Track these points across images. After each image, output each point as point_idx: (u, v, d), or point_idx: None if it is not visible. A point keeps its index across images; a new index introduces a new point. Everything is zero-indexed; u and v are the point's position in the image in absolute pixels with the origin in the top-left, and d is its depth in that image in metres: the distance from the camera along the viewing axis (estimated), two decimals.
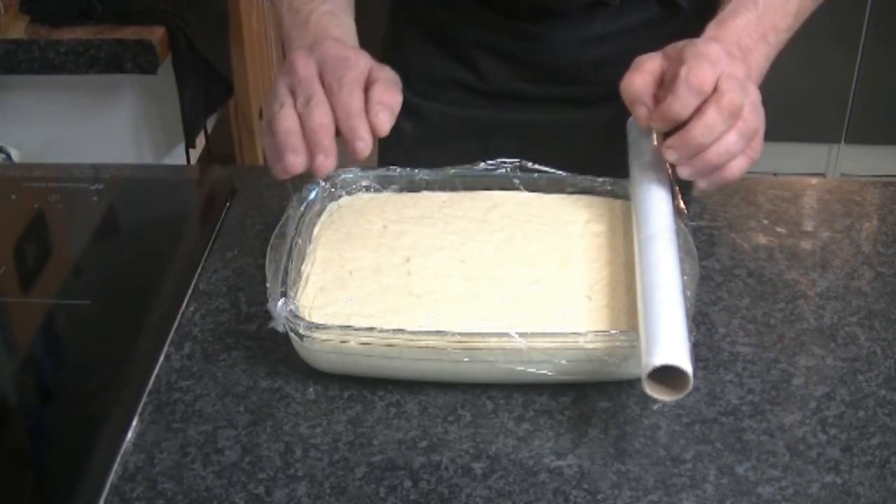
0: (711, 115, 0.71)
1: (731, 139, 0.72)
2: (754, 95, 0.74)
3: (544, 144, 0.99)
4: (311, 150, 0.71)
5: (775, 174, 1.21)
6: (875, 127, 2.76)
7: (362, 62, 0.75)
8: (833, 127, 2.78)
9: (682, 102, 0.71)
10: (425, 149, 1.02)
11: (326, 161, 0.71)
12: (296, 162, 0.71)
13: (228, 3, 1.90)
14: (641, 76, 0.75)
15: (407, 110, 1.05)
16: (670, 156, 0.73)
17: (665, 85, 0.74)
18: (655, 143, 0.78)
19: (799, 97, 2.62)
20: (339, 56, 0.74)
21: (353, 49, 0.77)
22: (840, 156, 2.84)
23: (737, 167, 0.74)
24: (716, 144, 0.72)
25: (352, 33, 0.83)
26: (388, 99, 0.74)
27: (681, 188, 0.83)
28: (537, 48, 0.98)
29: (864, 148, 2.79)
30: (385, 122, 0.73)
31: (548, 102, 1.01)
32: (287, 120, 0.72)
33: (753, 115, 0.73)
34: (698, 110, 0.71)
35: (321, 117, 0.71)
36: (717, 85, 0.71)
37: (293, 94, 0.73)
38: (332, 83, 0.72)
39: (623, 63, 0.96)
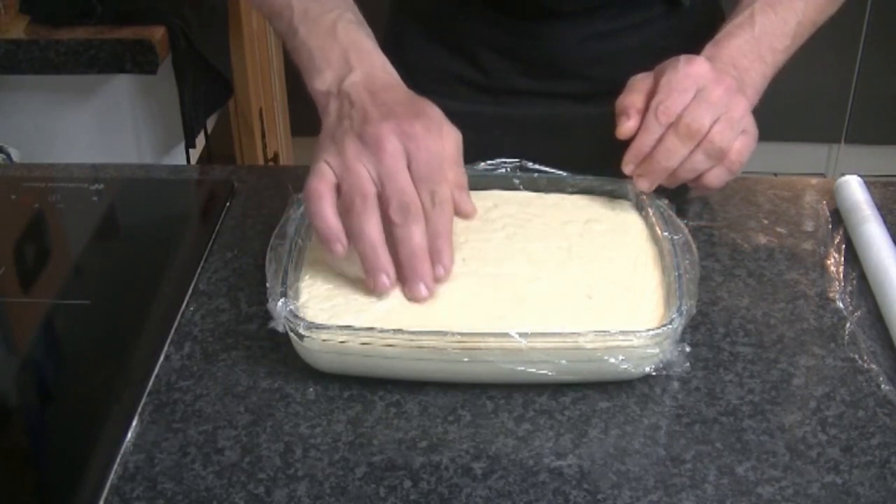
0: (670, 140, 0.76)
1: (698, 158, 0.77)
2: (738, 110, 0.78)
3: (546, 139, 1.00)
4: (408, 275, 0.70)
5: (775, 174, 1.21)
6: (875, 127, 2.77)
7: (445, 147, 0.72)
8: (833, 127, 2.79)
9: (650, 136, 0.77)
10: None
11: (426, 292, 0.70)
12: (388, 284, 0.70)
13: (228, 3, 1.90)
14: (631, 96, 0.80)
15: None
16: (642, 185, 0.79)
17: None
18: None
19: (799, 97, 2.63)
20: (435, 159, 0.70)
21: (440, 134, 0.72)
22: (840, 156, 2.84)
23: (714, 178, 0.79)
24: (682, 165, 0.77)
25: (374, 41, 0.80)
26: (458, 206, 0.73)
27: (680, 188, 0.84)
28: (539, 45, 0.99)
29: (864, 148, 2.79)
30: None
31: (550, 97, 1.01)
32: (374, 227, 0.69)
33: (724, 133, 0.77)
34: (661, 136, 0.77)
35: (421, 239, 0.69)
36: (682, 110, 0.76)
37: (378, 180, 0.70)
38: (426, 198, 0.70)
39: (624, 59, 0.96)
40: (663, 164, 0.78)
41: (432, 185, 0.70)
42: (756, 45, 0.83)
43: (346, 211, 0.70)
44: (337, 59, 0.77)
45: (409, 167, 0.70)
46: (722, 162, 0.78)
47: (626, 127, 0.79)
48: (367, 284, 0.70)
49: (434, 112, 0.74)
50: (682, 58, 0.79)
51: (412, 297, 0.70)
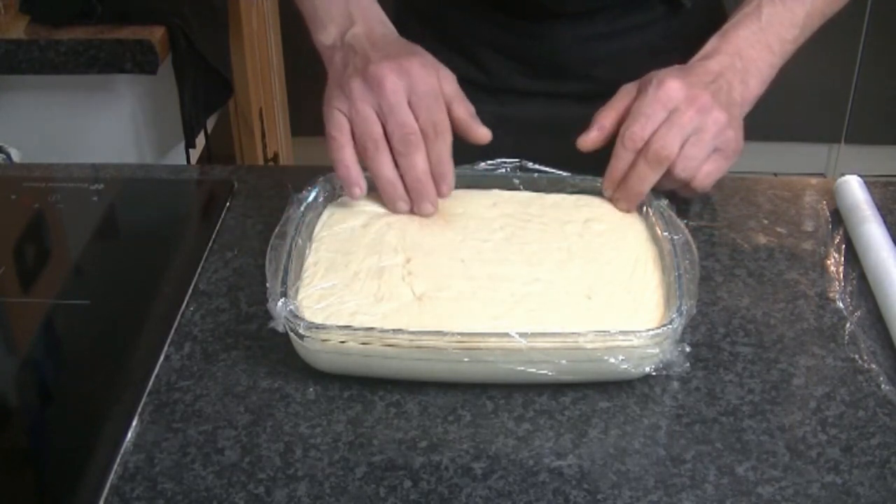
0: (641, 166, 0.78)
1: (664, 182, 0.79)
2: (711, 130, 0.78)
3: (547, 139, 0.99)
4: (414, 197, 0.79)
5: (775, 174, 1.21)
6: (875, 127, 2.77)
7: (445, 87, 0.80)
8: (833, 127, 2.79)
9: (621, 163, 0.79)
10: None
11: (432, 208, 0.80)
12: (406, 209, 0.80)
13: (228, 3, 1.90)
14: (604, 111, 0.82)
15: None
16: (621, 207, 0.81)
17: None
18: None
19: (799, 97, 2.63)
20: (432, 92, 0.78)
21: (436, 72, 0.80)
22: (840, 156, 2.84)
23: (682, 193, 0.83)
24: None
25: None
26: (477, 132, 0.81)
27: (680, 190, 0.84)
28: (541, 45, 0.99)
29: (864, 148, 2.79)
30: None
31: (551, 98, 1.01)
32: (387, 167, 0.78)
33: (689, 163, 0.78)
34: (633, 162, 0.79)
35: (423, 165, 0.78)
36: (651, 136, 0.78)
37: (381, 120, 0.78)
38: (428, 128, 0.78)
39: (626, 60, 0.96)
40: (636, 189, 0.79)
41: (433, 116, 0.78)
42: (763, 36, 0.83)
43: (362, 154, 0.79)
44: (339, 14, 0.84)
45: (409, 101, 0.78)
46: (687, 186, 0.80)
47: (584, 140, 0.82)
48: (389, 209, 0.80)
49: (429, 55, 0.82)
50: (655, 80, 0.80)
51: (420, 213, 0.80)
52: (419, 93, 0.78)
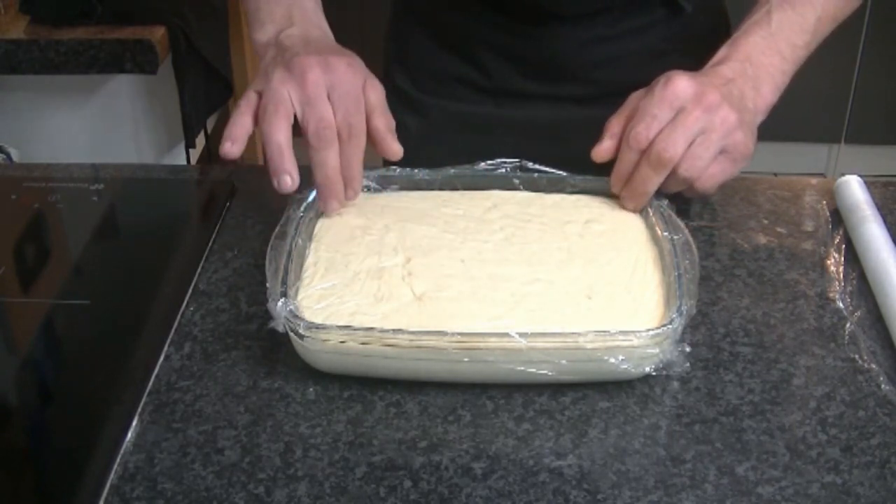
0: (644, 168, 0.78)
1: (668, 184, 0.79)
2: (718, 130, 0.77)
3: (547, 141, 1.00)
4: (322, 194, 0.78)
5: (775, 174, 1.21)
6: (875, 127, 2.76)
7: (370, 95, 0.79)
8: (833, 127, 2.79)
9: (626, 163, 0.79)
10: (427, 144, 1.02)
11: (337, 206, 0.79)
12: (290, 185, 0.76)
13: (228, 3, 1.90)
14: (615, 117, 0.81)
15: (410, 106, 1.05)
16: (627, 206, 0.81)
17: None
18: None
19: (799, 97, 2.61)
20: (353, 93, 0.77)
21: (363, 77, 0.79)
22: (840, 156, 2.84)
23: (687, 194, 0.82)
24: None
25: (320, 5, 0.88)
26: (391, 147, 0.80)
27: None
28: (541, 48, 0.99)
29: (864, 148, 2.79)
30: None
31: (551, 100, 1.01)
32: (280, 132, 0.76)
33: (694, 162, 0.77)
34: (637, 162, 0.78)
35: (335, 163, 0.76)
36: (655, 137, 0.77)
37: (300, 106, 0.76)
38: (343, 129, 0.76)
39: (626, 62, 0.96)
40: (640, 190, 0.79)
41: (349, 118, 0.76)
42: (774, 42, 0.83)
43: (259, 116, 0.77)
44: (280, 15, 0.84)
45: (329, 98, 0.76)
46: (691, 188, 0.80)
47: (597, 150, 0.81)
48: (273, 184, 0.76)
49: (360, 61, 0.81)
50: (663, 79, 0.79)
51: (325, 210, 0.79)
52: (340, 92, 0.76)
